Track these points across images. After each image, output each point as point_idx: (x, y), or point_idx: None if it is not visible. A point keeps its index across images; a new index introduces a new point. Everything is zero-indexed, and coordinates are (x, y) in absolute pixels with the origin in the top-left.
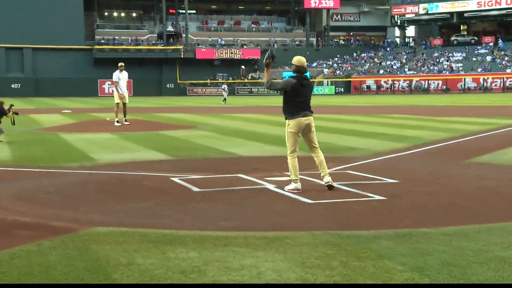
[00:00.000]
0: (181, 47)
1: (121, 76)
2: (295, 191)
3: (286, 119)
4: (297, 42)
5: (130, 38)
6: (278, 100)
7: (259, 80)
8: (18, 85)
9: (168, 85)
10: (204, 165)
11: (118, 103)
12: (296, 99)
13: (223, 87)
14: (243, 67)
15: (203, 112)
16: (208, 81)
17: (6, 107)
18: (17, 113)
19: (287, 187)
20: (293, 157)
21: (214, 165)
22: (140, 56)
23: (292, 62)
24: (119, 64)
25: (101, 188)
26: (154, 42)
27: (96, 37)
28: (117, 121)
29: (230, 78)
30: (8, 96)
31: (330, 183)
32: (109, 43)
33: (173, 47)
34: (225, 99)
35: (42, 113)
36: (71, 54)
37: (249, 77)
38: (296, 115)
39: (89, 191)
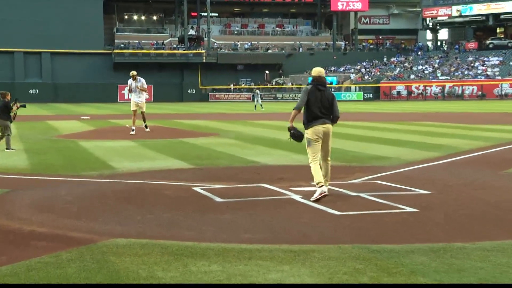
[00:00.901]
0: (203, 51)
1: (134, 85)
2: (322, 196)
3: (305, 128)
4: (323, 46)
5: (150, 42)
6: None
7: (284, 86)
8: (36, 91)
9: (189, 91)
10: (227, 174)
11: (134, 110)
12: (315, 105)
13: (255, 92)
14: (267, 72)
15: (226, 118)
16: (231, 86)
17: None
18: (24, 106)
19: (313, 198)
20: (314, 163)
21: (237, 174)
22: (161, 60)
23: (311, 74)
24: (131, 73)
25: (121, 197)
26: (175, 46)
27: (115, 41)
28: (133, 129)
29: (253, 83)
30: (25, 101)
31: (325, 194)
32: (128, 47)
33: (194, 51)
34: (261, 104)
35: (60, 120)
36: (90, 59)
37: (273, 82)
38: (313, 123)
39: (108, 201)
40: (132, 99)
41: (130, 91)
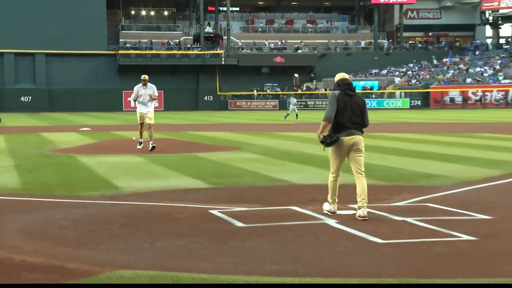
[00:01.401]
0: (222, 51)
1: (143, 91)
2: (330, 213)
3: (333, 138)
4: (363, 45)
5: (161, 42)
6: None
7: (316, 91)
8: (28, 98)
9: (206, 98)
10: (250, 195)
11: (140, 124)
12: (344, 113)
13: (290, 99)
14: (296, 75)
15: (248, 130)
16: (254, 92)
17: None
18: None
19: (324, 206)
20: (333, 179)
21: (262, 195)
22: (173, 62)
23: (336, 79)
24: (142, 77)
25: (126, 222)
26: (189, 45)
27: (120, 40)
28: (140, 143)
29: (279, 89)
30: (17, 111)
31: (364, 218)
32: (135, 47)
33: (212, 51)
34: (296, 114)
35: (56, 131)
36: (90, 61)
37: (304, 88)
38: (340, 133)
39: (111, 226)
40: (138, 109)
41: (136, 99)
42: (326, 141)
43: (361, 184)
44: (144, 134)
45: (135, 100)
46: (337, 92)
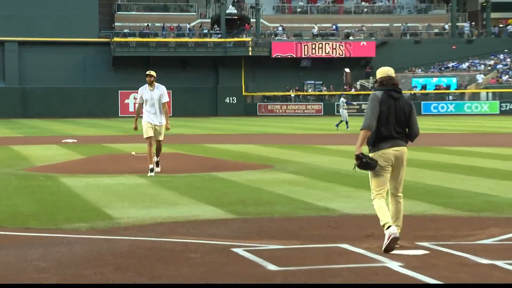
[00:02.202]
0: (249, 39)
1: (149, 94)
2: (391, 240)
3: (369, 151)
4: (436, 30)
5: (169, 26)
6: None
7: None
8: None
9: (227, 99)
10: (286, 228)
11: (149, 138)
12: (387, 120)
13: (341, 102)
14: (347, 70)
15: (284, 142)
16: (292, 92)
17: None
18: None
19: (383, 246)
20: (379, 199)
21: (302, 228)
22: (184, 53)
23: (377, 76)
24: (147, 74)
25: (124, 264)
26: (206, 31)
27: (115, 24)
28: (151, 169)
29: (325, 88)
30: None
31: (396, 236)
32: (135, 34)
33: (236, 39)
34: (346, 121)
35: (32, 144)
36: (77, 52)
37: (357, 86)
38: (381, 145)
39: (104, 269)
40: (144, 118)
41: (141, 105)
42: (362, 160)
43: (398, 206)
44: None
45: (139, 106)
46: (379, 93)
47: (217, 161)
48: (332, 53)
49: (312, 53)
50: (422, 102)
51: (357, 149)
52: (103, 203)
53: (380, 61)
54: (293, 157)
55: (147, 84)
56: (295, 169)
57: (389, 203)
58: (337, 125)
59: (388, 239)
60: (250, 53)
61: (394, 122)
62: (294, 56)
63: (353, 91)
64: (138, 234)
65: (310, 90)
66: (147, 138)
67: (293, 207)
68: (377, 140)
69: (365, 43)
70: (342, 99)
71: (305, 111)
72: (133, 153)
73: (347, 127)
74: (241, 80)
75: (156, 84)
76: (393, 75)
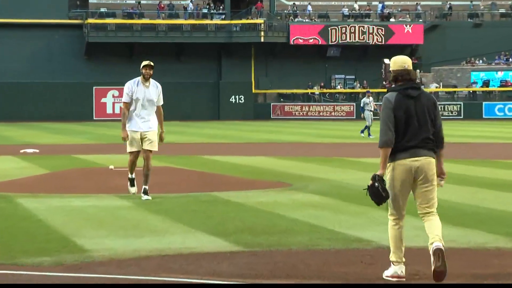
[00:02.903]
0: (260, 21)
1: (143, 93)
2: (395, 279)
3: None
4: (502, 10)
5: (158, 4)
6: (456, 129)
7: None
8: None
9: (233, 98)
10: (307, 264)
11: (134, 152)
12: (406, 125)
13: (364, 101)
14: (387, 61)
15: (305, 153)
16: (316, 89)
17: None
18: None
19: (385, 273)
20: (394, 224)
21: (327, 264)
22: (179, 39)
23: (390, 68)
24: (144, 65)
25: None
26: (205, 11)
27: (90, 1)
28: (132, 183)
29: (359, 84)
30: None
31: (439, 247)
32: (114, 14)
33: (244, 21)
34: (369, 127)
35: None
36: (40, 37)
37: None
38: (398, 154)
39: None
40: (130, 126)
41: (127, 107)
42: (374, 186)
43: (432, 221)
44: (141, 171)
45: (125, 108)
46: (392, 96)
47: (219, 177)
48: (368, 40)
49: (342, 40)
50: (484, 103)
51: (381, 169)
52: (72, 230)
53: (429, 49)
54: (316, 173)
55: (139, 79)
56: (319, 188)
57: (425, 225)
58: (363, 131)
59: (391, 276)
60: (262, 39)
61: (416, 128)
62: (319, 43)
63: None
64: (117, 271)
65: (339, 87)
66: (130, 153)
67: (315, 236)
68: (395, 150)
69: (410, 26)
70: (365, 98)
71: (333, 113)
72: (111, 167)
73: (369, 135)
74: (250, 74)
75: (152, 81)
76: (410, 67)
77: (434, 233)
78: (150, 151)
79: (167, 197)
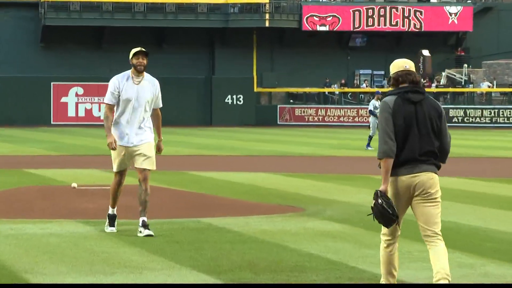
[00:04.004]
0: (265, 0)
1: (135, 91)
2: None
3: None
4: None
5: None
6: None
7: (470, 89)
8: None
9: (229, 99)
10: None
11: (118, 174)
12: (406, 135)
13: (374, 104)
14: (426, 53)
15: (321, 169)
16: (335, 88)
17: None
18: None
19: None
20: (386, 246)
21: None
22: (160, 23)
23: (390, 73)
24: (136, 51)
25: None
26: None
27: None
28: (112, 218)
29: (386, 82)
30: None
31: (446, 278)
32: None
33: (244, 0)
34: (371, 136)
35: None
36: None
37: (442, 79)
38: (397, 170)
39: None
40: (118, 136)
41: (111, 109)
42: (379, 206)
43: (436, 250)
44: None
45: (109, 110)
46: (391, 99)
47: (212, 199)
48: (402, 25)
49: (368, 25)
50: None
51: (383, 184)
52: (24, 265)
53: (480, 38)
54: (335, 195)
55: (129, 73)
56: (338, 213)
57: (429, 251)
58: (369, 143)
59: None
60: (266, 24)
61: (417, 138)
62: (339, 29)
63: (434, 88)
64: None
65: (364, 86)
66: (116, 172)
67: (334, 275)
68: (393, 164)
69: (456, 9)
70: (374, 100)
71: (356, 119)
72: (74, 184)
73: (368, 146)
74: (251, 68)
75: (147, 75)
76: (413, 68)
77: (440, 266)
78: (148, 170)
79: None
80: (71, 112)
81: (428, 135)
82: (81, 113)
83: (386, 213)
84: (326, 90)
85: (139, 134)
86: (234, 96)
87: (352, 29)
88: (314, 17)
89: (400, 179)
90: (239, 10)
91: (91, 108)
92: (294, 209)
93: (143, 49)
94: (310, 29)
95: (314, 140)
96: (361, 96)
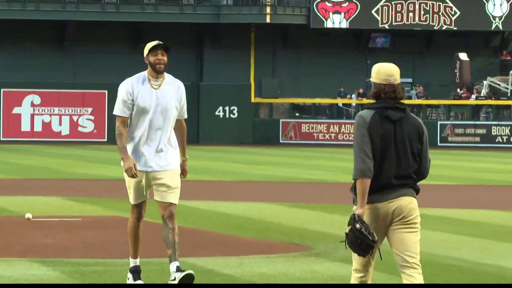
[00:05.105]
0: None
1: (154, 98)
2: None
3: (353, 202)
4: None
5: None
6: None
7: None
8: None
9: (220, 111)
10: None
11: (136, 206)
12: (384, 158)
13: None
14: (463, 57)
15: (332, 199)
16: (352, 100)
17: None
18: None
19: None
20: (358, 283)
21: None
22: (136, 18)
23: (371, 77)
24: (151, 46)
25: None
26: None
27: None
28: (136, 275)
29: (417, 91)
30: None
31: None
32: None
33: None
34: None
35: None
36: None
37: (484, 90)
38: (371, 196)
39: None
40: (134, 154)
41: (125, 124)
42: (355, 231)
43: (412, 282)
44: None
45: (121, 126)
46: (367, 113)
47: (200, 234)
48: (433, 22)
49: (392, 22)
50: None
51: (357, 209)
52: None
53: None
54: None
55: (145, 74)
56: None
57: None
58: None
59: None
60: (267, 19)
61: (394, 161)
62: (357, 26)
63: (473, 99)
64: None
65: None
66: (134, 204)
67: None
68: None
69: (499, 2)
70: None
71: None
72: (28, 215)
73: None
74: (248, 73)
75: (169, 77)
76: (398, 80)
77: None
78: (174, 204)
79: (117, 263)
80: (25, 126)
81: (406, 158)
82: (38, 127)
83: (365, 239)
84: (340, 101)
85: (160, 155)
86: (227, 108)
87: (373, 27)
88: (326, 12)
89: (376, 207)
90: (233, 2)
91: (50, 121)
92: (299, 247)
93: (160, 43)
94: (322, 18)
95: (324, 163)
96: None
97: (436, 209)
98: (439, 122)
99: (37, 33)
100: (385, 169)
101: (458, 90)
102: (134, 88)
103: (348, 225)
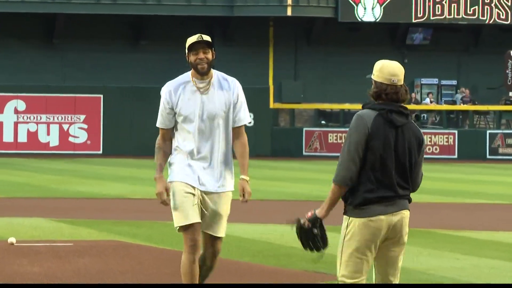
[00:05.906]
0: None
1: (200, 103)
2: None
3: (345, 213)
4: None
5: None
6: None
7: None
8: None
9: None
10: None
11: (189, 231)
12: (385, 163)
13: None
14: None
15: None
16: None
17: None
18: None
19: None
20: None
21: None
22: (137, 10)
23: (373, 75)
24: (191, 42)
25: None
26: None
27: None
28: None
29: (462, 96)
30: None
31: None
32: None
33: None
34: None
35: None
36: None
37: None
38: (371, 208)
39: None
40: (181, 172)
41: (167, 136)
42: (313, 232)
43: None
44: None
45: (163, 138)
46: (369, 114)
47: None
48: (482, 16)
49: (433, 15)
50: None
51: (321, 211)
52: None
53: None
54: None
55: (188, 76)
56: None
57: None
58: None
59: None
60: (288, 12)
61: (393, 169)
62: (391, 20)
63: None
64: None
65: (428, 100)
66: (185, 227)
67: None
68: (366, 199)
69: None
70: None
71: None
72: (12, 240)
73: None
74: (267, 74)
75: (218, 75)
76: (401, 81)
77: None
78: (221, 239)
79: None
80: (7, 136)
81: (405, 167)
82: (22, 138)
83: (315, 243)
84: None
85: (213, 173)
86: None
87: (410, 21)
88: (356, 5)
89: (380, 219)
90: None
91: (37, 130)
92: (325, 276)
93: (203, 37)
94: (351, 20)
95: None
96: (424, 117)
97: (485, 232)
98: (488, 131)
99: (22, 28)
100: (386, 179)
101: (510, 93)
102: (172, 94)
103: (308, 222)
